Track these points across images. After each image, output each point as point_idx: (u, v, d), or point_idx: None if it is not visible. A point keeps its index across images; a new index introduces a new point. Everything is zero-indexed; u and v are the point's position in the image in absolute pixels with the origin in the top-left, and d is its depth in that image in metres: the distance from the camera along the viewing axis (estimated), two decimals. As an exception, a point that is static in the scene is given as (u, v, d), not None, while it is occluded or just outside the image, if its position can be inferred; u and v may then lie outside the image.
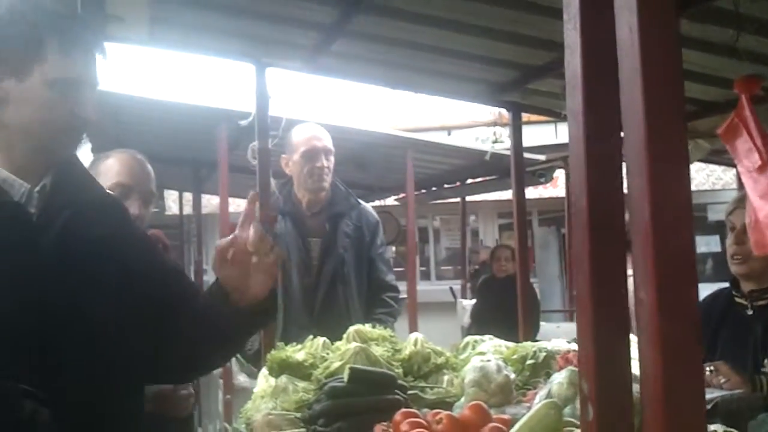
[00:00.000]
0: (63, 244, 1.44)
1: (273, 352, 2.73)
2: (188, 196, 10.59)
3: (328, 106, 12.62)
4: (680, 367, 0.94)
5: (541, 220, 13.76)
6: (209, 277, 11.70)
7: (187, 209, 10.81)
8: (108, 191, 1.87)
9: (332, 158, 3.55)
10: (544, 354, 2.71)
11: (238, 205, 8.50)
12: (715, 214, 12.06)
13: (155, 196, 2.63)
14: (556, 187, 10.13)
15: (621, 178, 1.07)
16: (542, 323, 7.06)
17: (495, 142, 5.67)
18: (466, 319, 8.01)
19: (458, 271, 12.53)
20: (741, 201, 2.64)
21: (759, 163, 2.57)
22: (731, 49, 2.76)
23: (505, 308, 5.90)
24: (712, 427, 1.83)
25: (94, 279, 1.45)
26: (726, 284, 2.77)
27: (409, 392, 2.42)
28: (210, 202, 10.61)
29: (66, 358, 1.40)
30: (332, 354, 2.63)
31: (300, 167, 3.53)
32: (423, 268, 13.70)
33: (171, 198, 11.52)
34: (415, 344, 2.72)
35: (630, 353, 1.09)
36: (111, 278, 1.48)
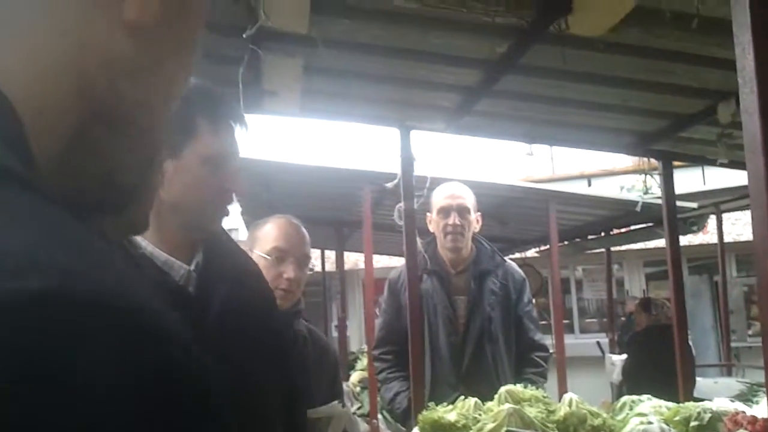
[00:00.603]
0: (223, 322, 1.46)
1: (425, 412, 2.73)
2: (328, 254, 10.91)
3: (468, 161, 12.73)
4: None
5: (692, 268, 13.04)
6: (352, 333, 11.94)
7: (328, 266, 11.11)
8: (252, 259, 1.91)
9: (470, 216, 3.48)
10: (709, 415, 2.57)
11: (377, 261, 8.67)
12: None
13: (310, 259, 2.71)
14: (706, 234, 9.62)
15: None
16: (698, 378, 6.65)
17: (645, 192, 5.41)
18: (616, 376, 7.67)
19: (604, 323, 12.07)
20: None
21: None
22: None
23: (655, 363, 5.63)
24: None
25: (254, 354, 1.49)
26: None
27: (569, 457, 2.36)
28: (348, 259, 10.86)
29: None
30: (484, 415, 2.60)
31: (437, 225, 3.55)
32: (566, 321, 13.27)
33: (314, 256, 11.93)
34: (570, 405, 2.64)
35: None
36: (266, 353, 1.53)
